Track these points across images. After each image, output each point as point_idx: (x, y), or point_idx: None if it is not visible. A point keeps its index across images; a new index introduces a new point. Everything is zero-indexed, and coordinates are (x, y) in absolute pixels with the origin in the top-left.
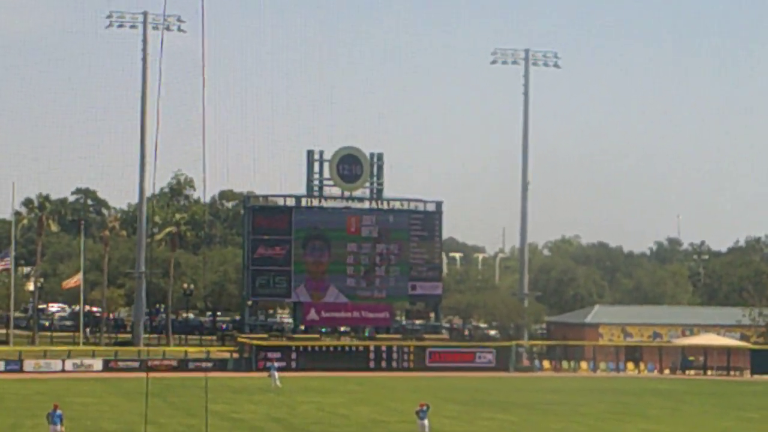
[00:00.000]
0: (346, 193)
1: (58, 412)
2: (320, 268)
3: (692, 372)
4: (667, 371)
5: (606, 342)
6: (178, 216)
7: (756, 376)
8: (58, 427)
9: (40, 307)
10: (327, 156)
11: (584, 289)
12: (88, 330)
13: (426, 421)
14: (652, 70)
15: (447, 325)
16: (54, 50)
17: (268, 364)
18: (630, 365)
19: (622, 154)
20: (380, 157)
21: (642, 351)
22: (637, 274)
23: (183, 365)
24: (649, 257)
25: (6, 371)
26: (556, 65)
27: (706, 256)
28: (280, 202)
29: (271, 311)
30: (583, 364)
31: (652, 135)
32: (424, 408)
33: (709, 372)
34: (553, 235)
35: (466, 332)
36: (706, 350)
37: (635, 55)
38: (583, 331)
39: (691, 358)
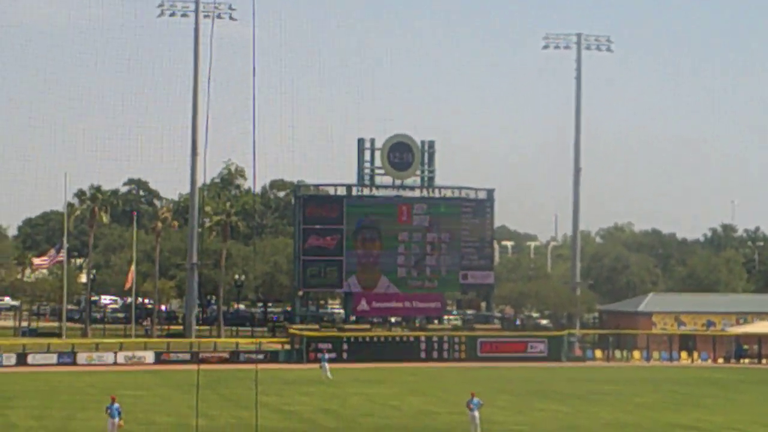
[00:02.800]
0: (397, 182)
1: (116, 405)
2: (371, 258)
3: (746, 361)
4: (721, 360)
5: (659, 331)
6: (228, 206)
7: None
8: (116, 420)
9: (93, 299)
10: (378, 144)
11: (637, 277)
12: (147, 322)
13: (477, 413)
14: (706, 53)
15: (499, 314)
16: (106, 40)
17: (320, 355)
18: (683, 354)
19: (675, 140)
20: (431, 144)
21: (696, 340)
22: (691, 262)
23: (234, 357)
24: (702, 244)
25: (59, 364)
26: (608, 49)
27: (761, 243)
28: (331, 191)
29: (322, 302)
30: (636, 354)
31: (706, 120)
32: (474, 399)
33: (763, 361)
34: (606, 223)
35: (518, 322)
36: (760, 338)
37: (689, 38)
38: (636, 319)
39: (746, 346)
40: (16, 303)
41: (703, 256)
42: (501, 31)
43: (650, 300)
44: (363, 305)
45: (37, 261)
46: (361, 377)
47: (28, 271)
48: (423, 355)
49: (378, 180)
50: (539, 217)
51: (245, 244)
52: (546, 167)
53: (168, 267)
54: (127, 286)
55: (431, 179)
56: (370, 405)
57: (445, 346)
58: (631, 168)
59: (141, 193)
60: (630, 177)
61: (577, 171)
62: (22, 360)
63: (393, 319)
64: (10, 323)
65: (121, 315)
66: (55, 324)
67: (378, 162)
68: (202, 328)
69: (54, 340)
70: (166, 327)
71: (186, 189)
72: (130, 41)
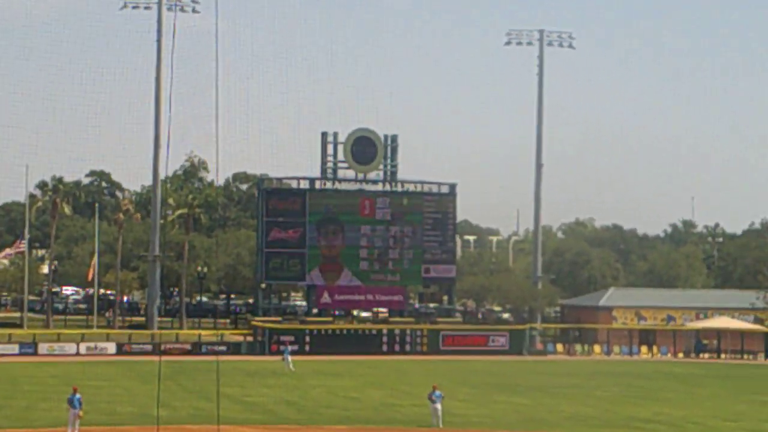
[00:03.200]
0: (360, 176)
1: (78, 395)
2: (334, 251)
3: (706, 355)
4: (681, 355)
5: (620, 325)
6: (191, 198)
7: None
8: (77, 410)
9: (54, 290)
10: (341, 138)
11: (598, 272)
12: (109, 313)
13: (439, 405)
14: (666, 51)
15: (461, 308)
16: (68, 32)
17: (282, 347)
18: (644, 349)
19: (636, 136)
20: (394, 139)
21: (656, 334)
22: (652, 257)
23: (196, 348)
24: (663, 240)
25: (20, 354)
26: (570, 46)
27: (721, 239)
28: (294, 184)
29: (284, 294)
30: (597, 348)
31: (666, 116)
32: (436, 392)
33: (723, 355)
34: (567, 218)
35: (480, 315)
36: (720, 333)
37: (650, 35)
38: (597, 314)
39: (705, 341)
40: None
41: (663, 252)
42: (464, 27)
43: (611, 295)
44: (326, 298)
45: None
46: (323, 370)
47: None
48: (385, 348)
49: (341, 173)
50: (501, 212)
51: (208, 236)
52: (508, 162)
53: (130, 258)
54: (89, 277)
55: (394, 173)
56: (332, 397)
57: (408, 339)
58: (592, 164)
59: (103, 184)
60: (591, 173)
61: (539, 166)
62: None
63: (355, 312)
64: None
65: (83, 306)
66: (17, 314)
67: (341, 156)
68: (164, 319)
69: (15, 331)
70: (128, 318)
71: (149, 181)
72: (92, 33)
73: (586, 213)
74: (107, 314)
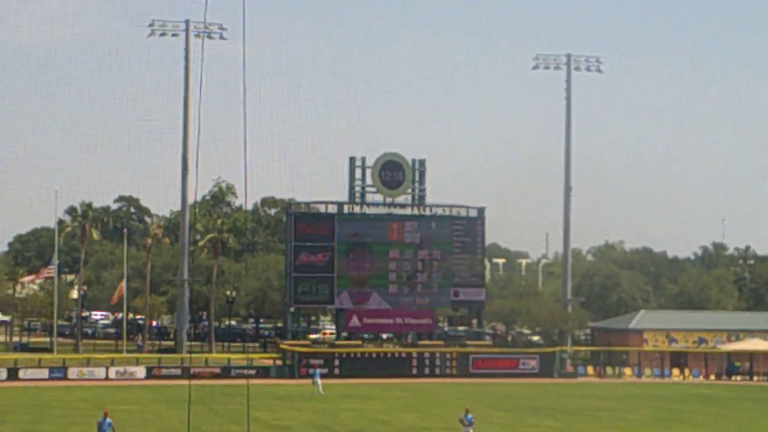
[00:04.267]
0: (389, 200)
1: (108, 420)
2: (362, 274)
3: (738, 378)
4: (712, 377)
5: (651, 348)
6: (220, 223)
7: None
8: None
9: (84, 314)
10: (369, 162)
11: (628, 295)
12: (139, 338)
13: (471, 429)
14: (696, 75)
15: (490, 331)
16: (96, 59)
17: (311, 371)
18: (675, 371)
19: (666, 159)
20: (422, 163)
21: (687, 357)
22: (682, 280)
23: (226, 372)
24: (693, 262)
25: (50, 379)
26: (598, 70)
27: (752, 261)
28: (322, 208)
29: (313, 318)
30: (628, 370)
31: (696, 139)
32: (468, 415)
33: (755, 378)
34: (597, 241)
35: (510, 338)
36: (752, 356)
37: (679, 59)
38: (628, 336)
39: (737, 363)
40: (6, 318)
41: (694, 274)
42: (492, 51)
43: (642, 317)
44: (354, 321)
45: (27, 279)
46: (352, 393)
47: (19, 286)
48: (414, 371)
49: (369, 198)
50: (531, 235)
51: (236, 260)
52: (537, 186)
53: (159, 283)
54: (114, 301)
55: (422, 197)
56: (362, 421)
57: (437, 362)
58: (621, 187)
59: (132, 210)
60: (621, 196)
61: (568, 190)
62: (13, 375)
63: (384, 336)
64: (0, 338)
65: (112, 331)
66: (46, 339)
67: (369, 180)
68: (193, 343)
69: (45, 356)
70: (157, 343)
71: (177, 206)
72: (120, 60)
73: (616, 236)
74: (136, 338)
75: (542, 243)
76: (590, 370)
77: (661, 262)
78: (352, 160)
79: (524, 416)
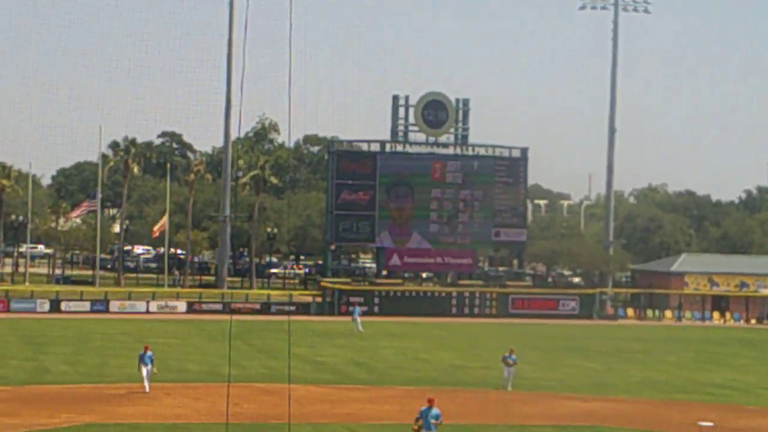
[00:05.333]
0: (431, 139)
1: (149, 353)
2: (404, 213)
3: None
4: (753, 321)
5: (692, 291)
6: (262, 160)
7: None
8: (149, 367)
9: (126, 249)
10: (412, 101)
11: (670, 238)
12: (176, 273)
13: (512, 369)
14: (743, 13)
15: (531, 272)
16: None
17: (351, 308)
18: (716, 315)
19: (711, 101)
20: (466, 102)
21: (728, 300)
22: (725, 223)
23: (266, 308)
24: (737, 206)
25: (92, 311)
26: (646, 11)
27: None
28: (365, 147)
29: (353, 256)
30: (668, 313)
31: (741, 82)
32: (512, 355)
33: None
34: (640, 183)
35: (550, 279)
36: None
37: (726, 0)
38: (669, 279)
39: None
40: (49, 251)
41: (737, 218)
42: None
43: (683, 260)
44: (395, 260)
45: (73, 214)
46: (392, 331)
47: (62, 220)
48: (454, 310)
49: (411, 137)
50: (573, 176)
51: (278, 198)
52: (581, 127)
53: (201, 219)
54: (155, 234)
55: (465, 137)
56: (401, 358)
57: (477, 301)
58: (666, 129)
59: (175, 145)
60: (665, 138)
61: (612, 131)
62: (55, 307)
63: (424, 275)
64: (43, 270)
65: (153, 265)
66: (89, 272)
67: (412, 119)
68: (234, 279)
69: (87, 288)
70: (198, 278)
71: (220, 142)
72: None
73: (659, 179)
74: (173, 273)
75: (585, 185)
76: (630, 312)
77: (704, 206)
78: (395, 98)
79: (562, 357)
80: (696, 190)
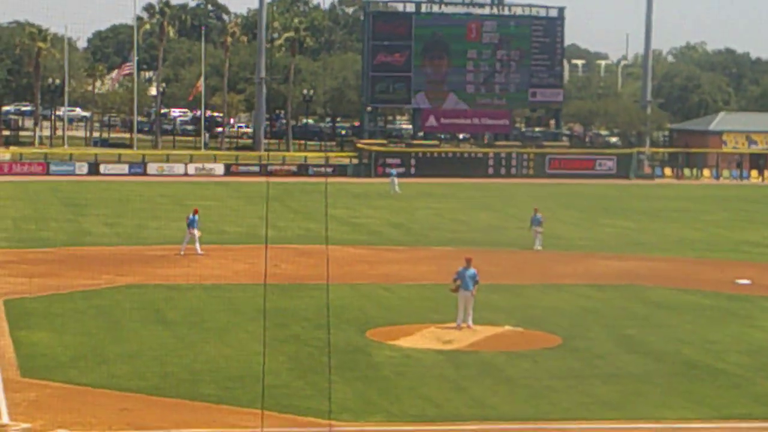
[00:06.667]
0: None
1: (196, 216)
2: (440, 74)
3: None
4: None
5: (730, 149)
6: (297, 21)
7: None
8: (195, 231)
9: (162, 111)
10: None
11: (709, 96)
12: (206, 135)
13: (540, 228)
14: None
15: (567, 132)
16: None
17: (388, 170)
18: (754, 173)
19: None
20: None
21: (767, 158)
22: (764, 81)
23: (302, 170)
24: None
25: (130, 174)
26: None
27: None
28: (400, 8)
29: (390, 117)
30: (706, 172)
31: None
32: (538, 215)
33: None
34: (678, 42)
35: (587, 139)
36: None
37: None
38: (707, 138)
39: None
40: (86, 114)
41: None
42: None
43: (721, 119)
44: (431, 121)
45: (112, 76)
46: (429, 192)
47: (98, 83)
48: (491, 171)
49: None
50: (611, 36)
51: (314, 59)
52: None
53: (237, 81)
54: (191, 98)
55: None
56: (438, 219)
57: (513, 162)
58: None
59: (209, 8)
60: None
61: None
62: (93, 169)
63: (461, 136)
64: (81, 134)
65: (190, 128)
66: (126, 135)
67: None
68: (270, 141)
69: (125, 151)
70: (235, 140)
71: (254, 4)
72: None
73: (698, 37)
74: (204, 135)
75: (622, 44)
76: (668, 171)
77: (743, 63)
78: None
79: (599, 216)
80: (735, 47)
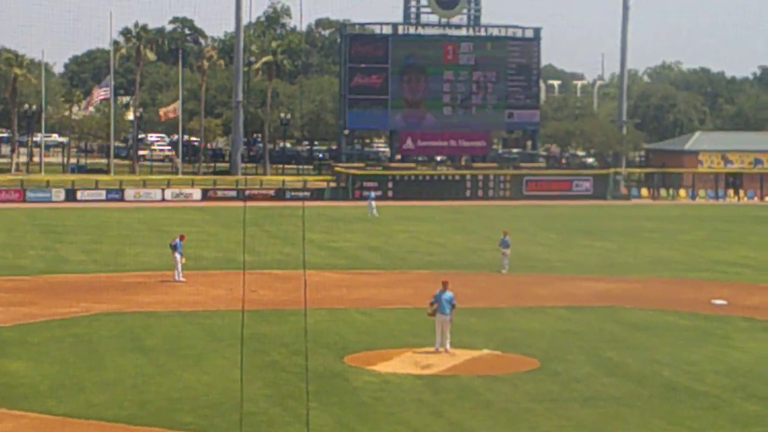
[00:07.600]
0: (443, 20)
1: (181, 242)
2: (417, 96)
3: None
4: (767, 198)
5: (706, 169)
6: (274, 44)
7: None
8: (178, 255)
9: (140, 136)
10: None
11: (684, 116)
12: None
13: (507, 250)
14: None
15: (544, 153)
16: None
17: (365, 193)
18: (730, 192)
19: None
20: None
21: (742, 178)
22: (740, 100)
23: (280, 194)
24: (752, 82)
25: (107, 200)
26: None
27: None
28: (377, 30)
29: (367, 140)
30: (682, 192)
31: None
32: (506, 238)
33: None
34: (653, 62)
35: (564, 160)
36: None
37: None
38: (683, 158)
39: None
40: (63, 140)
41: (752, 95)
42: None
43: (697, 138)
44: (408, 144)
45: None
46: (406, 215)
47: (75, 108)
48: (468, 193)
49: (424, 18)
50: (587, 56)
51: (291, 82)
52: (594, 4)
53: (214, 105)
54: (163, 118)
55: (477, 18)
56: (416, 242)
57: (491, 184)
58: (679, 5)
59: (186, 31)
60: (678, 15)
61: (626, 9)
62: (71, 196)
63: (438, 158)
64: (58, 159)
65: (168, 152)
66: (103, 161)
67: (424, 1)
68: (248, 165)
69: (102, 177)
70: (212, 165)
71: (231, 28)
72: None
73: (673, 56)
74: (175, 160)
75: (598, 64)
76: (644, 191)
77: (718, 83)
78: None
79: (576, 237)
80: (710, 66)
